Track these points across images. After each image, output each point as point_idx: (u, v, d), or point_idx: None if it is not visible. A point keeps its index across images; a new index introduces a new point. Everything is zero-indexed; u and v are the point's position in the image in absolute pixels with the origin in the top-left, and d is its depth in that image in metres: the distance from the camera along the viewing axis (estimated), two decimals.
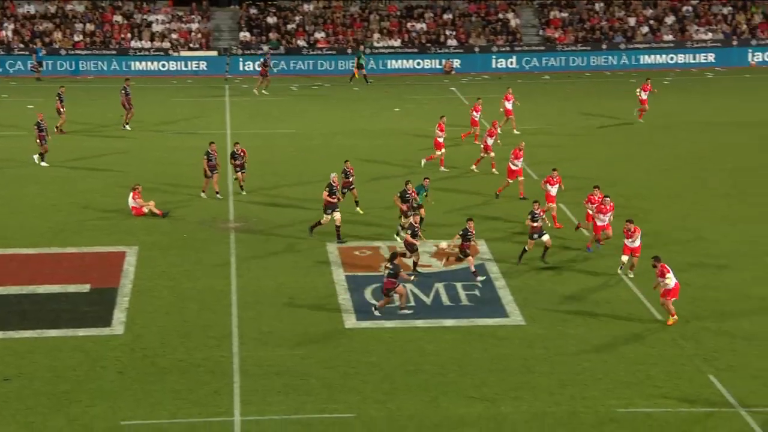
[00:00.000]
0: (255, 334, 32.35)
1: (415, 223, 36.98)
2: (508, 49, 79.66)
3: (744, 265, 37.96)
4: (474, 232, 36.40)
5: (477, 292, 35.63)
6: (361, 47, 78.30)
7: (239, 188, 46.14)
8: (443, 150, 50.43)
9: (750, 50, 79.59)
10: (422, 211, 40.13)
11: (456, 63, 78.43)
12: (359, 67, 74.22)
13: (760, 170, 50.13)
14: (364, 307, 34.24)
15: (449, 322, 33.42)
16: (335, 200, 39.79)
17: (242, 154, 45.79)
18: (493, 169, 49.27)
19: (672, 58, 79.55)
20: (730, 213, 44.07)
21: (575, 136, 58.15)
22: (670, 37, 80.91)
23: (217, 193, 45.44)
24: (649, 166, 51.12)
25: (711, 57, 79.47)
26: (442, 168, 50.28)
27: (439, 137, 50.24)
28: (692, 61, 79.42)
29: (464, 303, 35.00)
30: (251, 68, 76.64)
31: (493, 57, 79.26)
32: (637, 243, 36.17)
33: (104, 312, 33.93)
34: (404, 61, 79.09)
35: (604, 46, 79.90)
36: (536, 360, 30.65)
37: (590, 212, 38.84)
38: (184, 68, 77.99)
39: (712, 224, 42.54)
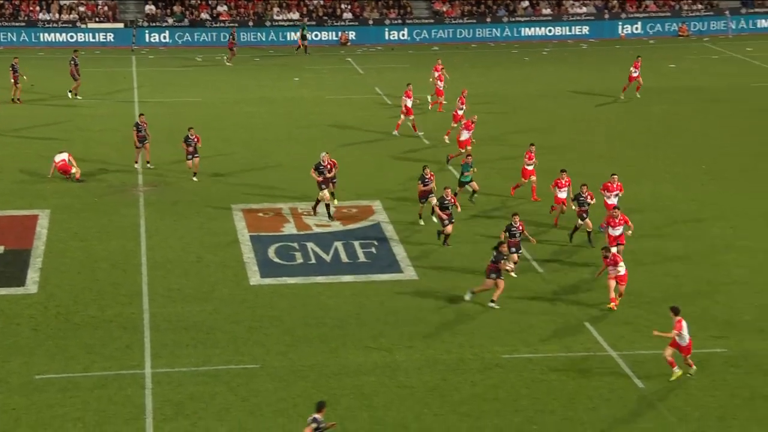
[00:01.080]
0: (164, 291, 32.15)
1: (447, 196, 35.41)
2: (399, 21, 79.58)
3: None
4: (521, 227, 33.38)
5: (374, 250, 35.78)
6: (305, 20, 78.32)
7: (192, 175, 42.62)
8: (412, 116, 50.63)
9: (620, 23, 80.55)
10: (474, 184, 39.19)
11: (351, 35, 78.15)
12: (303, 38, 74.08)
13: (628, 134, 50.83)
14: (268, 264, 34.21)
15: (348, 278, 33.52)
16: (321, 179, 37.34)
17: (196, 140, 42.20)
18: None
19: (550, 31, 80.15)
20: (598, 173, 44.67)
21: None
22: (548, 11, 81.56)
23: (148, 162, 44.24)
24: (529, 127, 51.46)
25: (585, 29, 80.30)
26: (395, 132, 50.29)
27: (407, 103, 50.29)
28: (568, 33, 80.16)
29: (362, 260, 35.12)
30: (156, 40, 75.69)
31: (386, 29, 79.08)
32: (618, 232, 33.62)
33: (18, 272, 33.45)
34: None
35: (488, 20, 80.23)
36: (428, 312, 30.92)
37: (606, 200, 36.06)
38: (92, 40, 76.49)
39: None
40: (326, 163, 37.20)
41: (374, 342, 28.98)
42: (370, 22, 79.79)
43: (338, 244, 36.28)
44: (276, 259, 34.68)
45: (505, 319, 30.30)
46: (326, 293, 32.30)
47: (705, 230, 37.43)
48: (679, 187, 42.38)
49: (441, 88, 55.22)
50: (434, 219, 36.88)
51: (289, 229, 37.57)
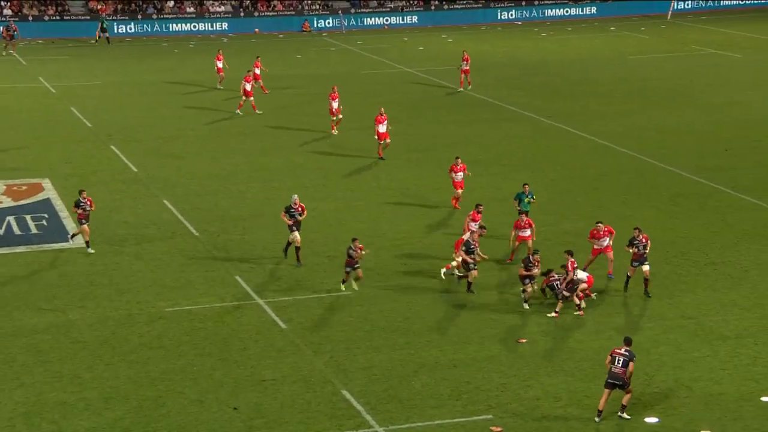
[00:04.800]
0: None
1: (473, 241, 28.83)
2: (58, 18, 76.55)
3: (260, 194, 38.83)
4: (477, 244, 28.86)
5: (45, 222, 34.23)
6: (104, 14, 75.82)
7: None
8: (252, 98, 49.68)
9: (255, 21, 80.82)
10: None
11: (15, 31, 74.05)
12: (103, 30, 72.55)
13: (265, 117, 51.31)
14: None
15: (21, 249, 31.93)
16: (292, 222, 30.76)
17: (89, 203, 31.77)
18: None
19: (195, 26, 79.43)
20: (243, 147, 44.85)
21: (121, 89, 56.84)
22: (191, 9, 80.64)
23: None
24: (171, 114, 50.92)
25: (225, 25, 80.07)
26: (238, 111, 49.67)
27: (246, 87, 49.45)
28: (210, 29, 79.62)
29: (34, 232, 33.53)
30: None
31: (44, 25, 75.81)
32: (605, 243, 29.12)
33: None
34: None
35: (139, 16, 78.39)
36: (97, 275, 30.00)
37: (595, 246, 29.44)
38: None
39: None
40: (297, 205, 31.09)
41: (48, 304, 27.80)
42: (30, 18, 76.05)
43: (10, 219, 34.43)
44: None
45: (168, 278, 29.88)
46: (0, 263, 30.61)
47: (330, 192, 38.31)
48: (309, 158, 43.15)
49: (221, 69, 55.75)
50: (442, 275, 29.66)
51: None
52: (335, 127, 46.27)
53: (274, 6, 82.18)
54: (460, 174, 34.97)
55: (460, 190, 35.04)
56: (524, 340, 25.71)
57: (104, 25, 73.53)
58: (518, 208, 32.04)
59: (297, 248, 30.72)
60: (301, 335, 26.22)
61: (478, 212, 30.94)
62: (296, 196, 31.21)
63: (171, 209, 35.98)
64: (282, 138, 46.26)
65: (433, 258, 31.06)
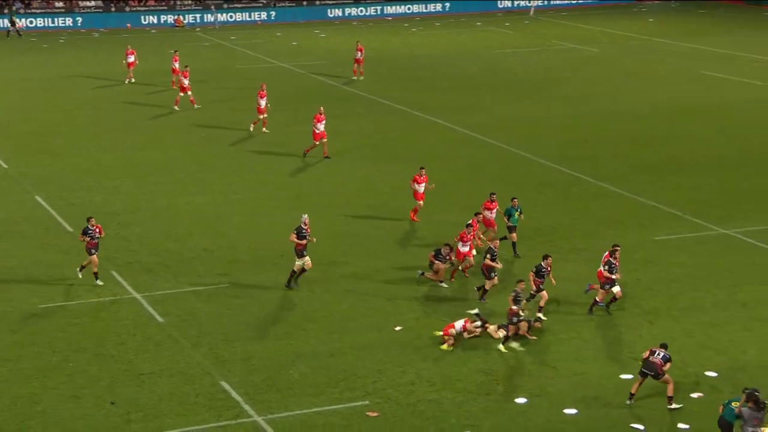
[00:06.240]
0: None
1: (495, 247, 27.54)
2: None
3: (135, 189, 38.06)
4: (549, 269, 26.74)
5: None
6: (14, 8, 73.89)
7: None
8: (190, 92, 48.88)
9: (127, 15, 79.18)
10: (514, 235, 29.85)
11: None
12: (12, 24, 71.84)
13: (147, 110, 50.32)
14: None
15: None
16: (304, 244, 28.07)
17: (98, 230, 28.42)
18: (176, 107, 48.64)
19: (64, 21, 77.29)
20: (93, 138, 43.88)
21: None
22: (60, 4, 78.44)
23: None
24: (54, 106, 49.44)
25: (95, 21, 78.07)
26: (176, 107, 48.81)
27: (184, 83, 48.74)
28: (80, 25, 77.54)
29: None
30: None
31: None
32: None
33: None
34: None
35: (5, 11, 75.92)
36: None
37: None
38: None
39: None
40: (306, 226, 28.27)
41: None
42: None
43: None
44: None
45: (41, 274, 29.00)
46: None
47: (208, 186, 37.81)
48: (186, 151, 42.52)
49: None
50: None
51: None
52: (255, 124, 44.79)
53: (147, 1, 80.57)
54: (423, 185, 33.36)
55: (421, 202, 33.39)
56: (399, 328, 25.84)
57: (15, 18, 72.44)
58: (508, 224, 30.19)
59: (303, 270, 28.28)
60: (178, 328, 25.78)
61: (492, 201, 30.32)
62: (306, 216, 28.45)
63: (44, 205, 34.94)
64: (160, 133, 45.43)
65: (312, 248, 30.96)
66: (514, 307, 24.81)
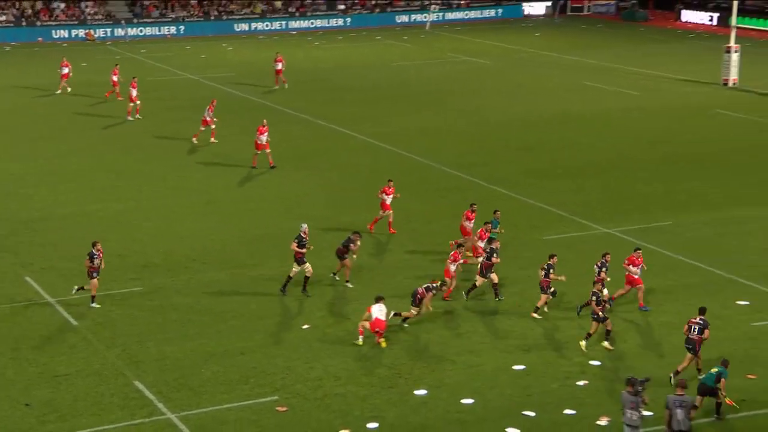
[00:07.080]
0: None
1: (496, 248, 27.55)
2: None
3: (49, 197, 37.25)
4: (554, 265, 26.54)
5: None
6: None
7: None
8: (138, 102, 48.50)
9: (38, 30, 77.33)
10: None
11: None
12: None
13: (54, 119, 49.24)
14: None
15: None
16: (304, 252, 27.54)
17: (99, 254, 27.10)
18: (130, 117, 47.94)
19: None
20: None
21: None
22: None
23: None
24: None
25: (6, 35, 76.13)
26: (129, 117, 48.38)
27: (133, 93, 48.21)
28: None
29: None
30: None
31: None
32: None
33: None
34: None
35: None
36: None
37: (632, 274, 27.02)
38: None
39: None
40: (306, 235, 27.66)
41: None
42: None
43: None
44: None
45: None
46: None
47: (122, 193, 37.14)
48: (101, 160, 41.71)
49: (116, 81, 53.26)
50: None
51: None
52: (200, 134, 44.14)
53: (57, 16, 78.81)
54: (390, 197, 32.70)
55: (390, 211, 32.79)
56: (307, 326, 25.84)
57: None
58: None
59: (306, 278, 27.69)
60: (93, 331, 25.37)
61: (472, 211, 30.25)
62: (305, 225, 27.87)
63: None
64: (75, 142, 44.57)
65: (223, 251, 30.77)
66: (598, 306, 24.09)
